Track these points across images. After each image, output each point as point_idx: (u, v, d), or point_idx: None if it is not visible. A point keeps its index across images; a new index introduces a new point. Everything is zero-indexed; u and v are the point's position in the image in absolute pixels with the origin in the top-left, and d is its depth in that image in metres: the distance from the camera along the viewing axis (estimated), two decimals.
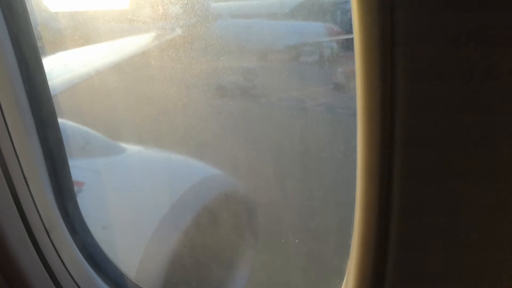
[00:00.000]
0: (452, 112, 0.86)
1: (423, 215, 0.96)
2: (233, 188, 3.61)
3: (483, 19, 0.78)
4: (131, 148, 3.77)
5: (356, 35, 0.95)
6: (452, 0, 0.79)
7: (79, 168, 3.17)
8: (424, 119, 0.88)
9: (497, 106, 0.83)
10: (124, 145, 3.75)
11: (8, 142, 1.84)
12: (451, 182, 0.92)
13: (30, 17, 1.88)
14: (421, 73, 0.85)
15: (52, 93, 2.09)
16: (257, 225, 3.76)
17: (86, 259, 2.18)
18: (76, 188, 2.56)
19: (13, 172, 1.87)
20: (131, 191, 3.38)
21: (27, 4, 1.86)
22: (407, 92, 0.87)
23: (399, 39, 0.84)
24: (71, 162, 2.27)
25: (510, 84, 0.81)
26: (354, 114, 1.06)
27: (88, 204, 2.49)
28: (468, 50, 0.80)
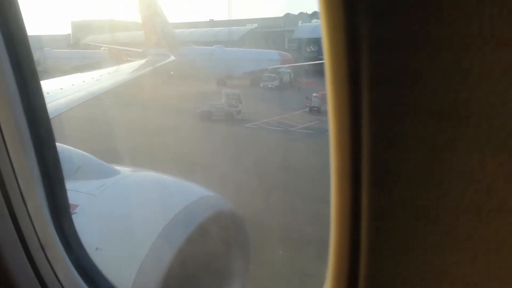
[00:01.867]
0: (415, 116, 0.89)
1: (393, 218, 0.97)
2: (224, 207, 3.67)
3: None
4: (125, 170, 3.82)
5: (325, 43, 1.01)
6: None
7: (72, 190, 3.20)
8: (389, 123, 0.92)
9: (461, 110, 0.86)
10: (117, 167, 3.81)
11: (7, 160, 1.89)
12: (418, 184, 0.93)
13: (29, 41, 1.94)
14: (384, 78, 0.90)
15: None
16: (248, 241, 3.81)
17: (80, 275, 2.20)
18: None
19: (11, 190, 1.91)
20: (125, 212, 3.42)
21: (26, 29, 1.91)
22: (371, 96, 0.91)
23: (364, 44, 0.88)
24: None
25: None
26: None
27: (81, 226, 2.48)
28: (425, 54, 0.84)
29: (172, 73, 60.00)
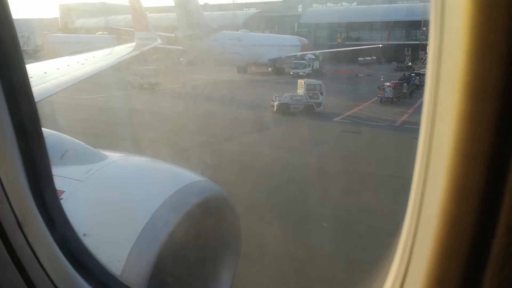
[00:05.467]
0: None
1: None
2: (215, 192, 3.66)
3: None
4: (112, 155, 3.81)
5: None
6: None
7: (58, 176, 3.17)
8: None
9: None
10: (105, 152, 3.79)
11: None
12: None
13: (13, 22, 1.77)
14: None
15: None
16: (238, 223, 3.81)
17: (65, 256, 1.95)
18: None
19: None
20: (114, 198, 3.42)
21: (10, 10, 1.76)
22: None
23: None
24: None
25: None
26: None
27: (68, 213, 2.38)
28: None
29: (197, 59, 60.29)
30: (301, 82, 33.15)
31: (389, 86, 35.75)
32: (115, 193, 3.46)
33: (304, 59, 62.51)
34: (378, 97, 36.06)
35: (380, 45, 69.98)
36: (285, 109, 31.08)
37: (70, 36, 73.51)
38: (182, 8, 57.47)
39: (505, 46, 0.83)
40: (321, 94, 32.03)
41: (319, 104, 31.87)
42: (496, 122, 0.87)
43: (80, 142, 3.83)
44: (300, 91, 32.57)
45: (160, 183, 3.62)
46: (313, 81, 33.97)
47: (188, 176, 3.71)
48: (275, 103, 31.54)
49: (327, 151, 21.57)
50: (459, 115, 0.89)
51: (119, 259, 2.96)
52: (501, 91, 0.85)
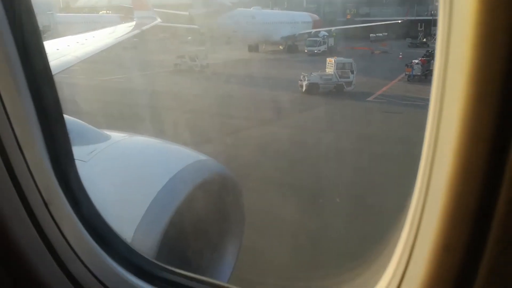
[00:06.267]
0: None
1: None
2: (218, 170, 3.68)
3: None
4: (116, 135, 3.82)
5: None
6: None
7: None
8: None
9: None
10: (108, 132, 3.81)
11: None
12: None
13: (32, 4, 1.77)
14: None
15: None
16: (242, 202, 3.84)
17: (89, 232, 2.02)
18: None
19: (5, 137, 1.70)
20: (118, 178, 3.44)
21: None
22: None
23: None
24: None
25: None
26: None
27: None
28: None
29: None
30: (330, 60, 32.33)
31: (417, 63, 34.88)
32: (119, 173, 3.49)
33: (318, 36, 61.37)
34: (406, 74, 35.18)
35: (399, 21, 67.97)
36: (314, 89, 30.24)
37: (76, 16, 73.24)
38: None
39: (509, 34, 0.89)
40: (352, 73, 31.17)
41: (350, 83, 30.97)
42: (499, 104, 0.93)
43: (83, 122, 3.84)
44: (329, 69, 31.73)
45: (163, 162, 3.64)
46: (343, 59, 32.87)
47: (191, 155, 3.73)
48: (304, 83, 30.65)
49: (385, 135, 21.21)
50: (466, 97, 0.95)
51: (126, 237, 3.00)
52: (504, 75, 0.91)
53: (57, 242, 1.89)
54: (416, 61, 35.51)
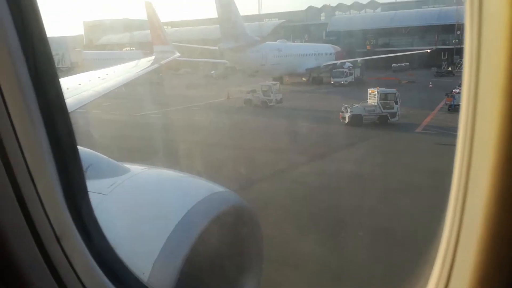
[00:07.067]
0: None
1: None
2: (236, 202, 3.66)
3: None
4: (135, 168, 3.87)
5: None
6: None
7: None
8: None
9: None
10: (127, 165, 3.86)
11: (11, 133, 1.63)
12: None
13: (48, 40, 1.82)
14: None
15: None
16: (261, 234, 3.78)
17: (101, 268, 2.00)
18: None
19: (17, 169, 1.66)
20: (137, 211, 3.47)
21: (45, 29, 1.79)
22: None
23: None
24: None
25: None
26: None
27: None
28: None
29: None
30: (373, 91, 32.01)
31: (458, 92, 34.45)
32: (137, 206, 3.51)
33: (343, 67, 61.48)
34: (446, 104, 34.83)
35: (428, 50, 67.87)
36: (358, 121, 29.59)
37: (102, 53, 76.03)
38: (226, 20, 57.86)
39: None
40: (396, 103, 30.50)
41: (394, 115, 30.29)
42: None
43: (103, 155, 3.92)
44: (371, 101, 31.25)
45: (182, 194, 3.66)
46: (386, 89, 32.62)
47: (209, 186, 3.74)
48: (347, 115, 30.07)
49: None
50: (502, 117, 0.91)
51: (144, 272, 2.98)
52: None
53: (68, 278, 1.84)
54: (457, 90, 35.09)
